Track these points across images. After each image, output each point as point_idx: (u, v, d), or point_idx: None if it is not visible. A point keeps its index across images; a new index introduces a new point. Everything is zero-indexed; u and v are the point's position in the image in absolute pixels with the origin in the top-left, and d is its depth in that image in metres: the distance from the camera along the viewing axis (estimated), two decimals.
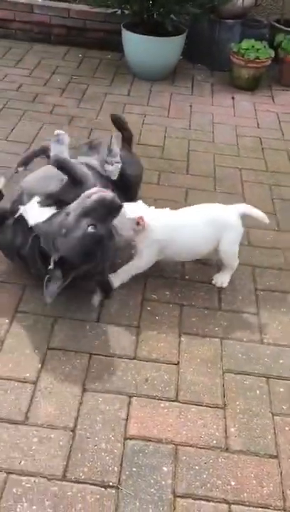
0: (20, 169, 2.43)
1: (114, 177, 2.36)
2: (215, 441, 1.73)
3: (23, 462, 1.61)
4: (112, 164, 2.37)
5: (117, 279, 2.21)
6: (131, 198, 2.39)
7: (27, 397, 1.79)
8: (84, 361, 1.94)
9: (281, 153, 3.48)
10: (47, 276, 1.95)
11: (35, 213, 2.07)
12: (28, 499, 1.52)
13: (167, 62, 4.35)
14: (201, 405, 1.84)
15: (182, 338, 2.08)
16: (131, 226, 2.10)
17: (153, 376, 1.92)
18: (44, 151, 2.40)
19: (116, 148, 2.42)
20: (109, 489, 1.57)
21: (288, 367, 2.01)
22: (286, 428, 1.80)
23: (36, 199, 2.09)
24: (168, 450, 1.69)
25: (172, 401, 1.84)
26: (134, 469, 1.63)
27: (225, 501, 1.57)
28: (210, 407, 1.83)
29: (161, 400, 1.84)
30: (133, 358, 1.98)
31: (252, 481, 1.64)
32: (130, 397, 1.84)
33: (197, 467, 1.65)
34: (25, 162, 2.45)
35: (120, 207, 1.95)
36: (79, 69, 4.42)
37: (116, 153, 2.40)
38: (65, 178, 2.11)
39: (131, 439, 1.71)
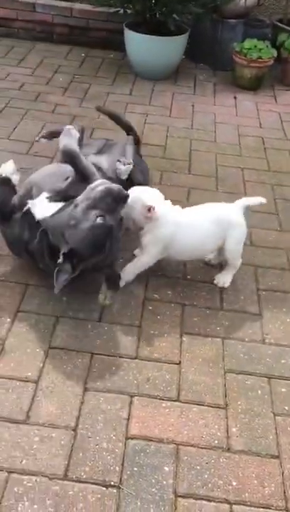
0: (43, 140, 2.44)
1: (124, 177, 2.37)
2: (216, 441, 1.73)
3: (24, 461, 1.61)
4: (124, 164, 2.37)
5: (124, 276, 2.21)
6: None
7: (28, 396, 1.79)
8: (86, 360, 1.94)
9: (284, 153, 3.48)
10: (57, 268, 1.94)
11: (43, 208, 2.07)
12: (29, 498, 1.52)
13: (169, 61, 4.35)
14: (203, 405, 1.83)
15: (184, 338, 2.08)
16: (142, 211, 2.09)
17: (155, 376, 1.92)
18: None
19: (131, 149, 2.43)
20: (110, 489, 1.57)
21: None
22: (288, 428, 1.79)
23: (45, 194, 2.10)
24: (169, 450, 1.69)
25: (173, 401, 1.84)
26: (135, 469, 1.63)
27: (227, 501, 1.57)
28: (212, 407, 1.83)
29: (163, 399, 1.84)
30: (135, 358, 1.98)
31: (254, 481, 1.63)
32: (131, 396, 1.84)
33: (198, 467, 1.65)
34: (49, 135, 2.46)
35: (127, 197, 1.96)
36: (82, 68, 4.42)
37: (129, 154, 2.41)
38: (73, 175, 2.12)
39: (132, 438, 1.71)
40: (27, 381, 1.85)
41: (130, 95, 4.05)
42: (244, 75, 4.29)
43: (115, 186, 1.95)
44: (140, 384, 1.88)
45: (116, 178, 2.33)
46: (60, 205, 2.05)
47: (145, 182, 2.53)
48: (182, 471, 1.64)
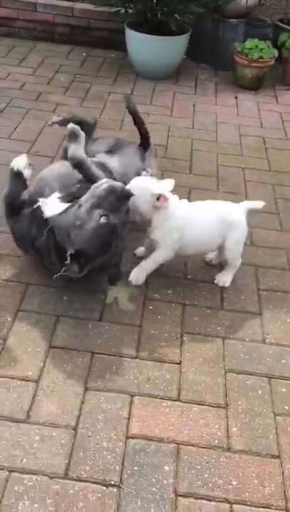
0: (56, 125, 2.46)
1: None
2: (216, 441, 1.73)
3: (24, 460, 1.62)
4: (148, 172, 2.40)
5: (141, 273, 2.21)
6: None
7: (29, 396, 1.80)
8: (87, 360, 1.94)
9: (285, 153, 3.48)
10: (64, 269, 1.95)
11: (53, 207, 2.06)
12: (29, 497, 1.53)
13: (170, 61, 4.35)
14: (203, 405, 1.83)
15: (184, 338, 2.08)
16: (151, 200, 2.08)
17: (155, 375, 1.92)
18: (80, 122, 2.41)
19: (154, 160, 2.44)
20: (110, 488, 1.57)
21: None
22: (288, 428, 1.79)
23: (57, 194, 2.10)
24: (169, 449, 1.69)
25: (174, 400, 1.84)
26: (136, 468, 1.63)
27: (227, 501, 1.57)
28: (212, 406, 1.83)
29: (163, 399, 1.84)
30: (136, 357, 1.98)
31: (254, 480, 1.63)
32: (132, 396, 1.84)
33: (198, 466, 1.65)
34: (63, 122, 2.46)
35: (130, 195, 1.96)
36: (83, 68, 4.42)
37: (154, 165, 2.45)
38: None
39: (132, 438, 1.71)
40: (27, 380, 1.85)
41: (131, 95, 4.05)
42: (245, 75, 4.29)
43: (118, 185, 1.96)
44: (140, 383, 1.88)
45: (124, 179, 2.33)
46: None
47: None
48: (182, 470, 1.64)
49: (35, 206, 2.11)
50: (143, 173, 2.38)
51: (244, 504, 1.57)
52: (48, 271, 2.14)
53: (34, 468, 1.60)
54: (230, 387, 1.91)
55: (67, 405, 1.78)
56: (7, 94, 3.80)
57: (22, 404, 1.77)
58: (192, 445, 1.71)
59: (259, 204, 2.33)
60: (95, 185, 1.98)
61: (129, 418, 1.76)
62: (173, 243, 2.18)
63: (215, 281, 2.34)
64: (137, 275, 2.22)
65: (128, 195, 1.96)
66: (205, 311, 2.21)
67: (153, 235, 2.17)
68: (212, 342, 2.08)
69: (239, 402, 1.86)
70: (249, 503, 1.58)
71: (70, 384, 1.85)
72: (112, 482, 1.59)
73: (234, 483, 1.62)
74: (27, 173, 2.27)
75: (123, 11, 4.26)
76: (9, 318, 2.07)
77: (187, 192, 2.94)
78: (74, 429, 1.71)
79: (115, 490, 1.57)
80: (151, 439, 1.71)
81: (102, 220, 1.91)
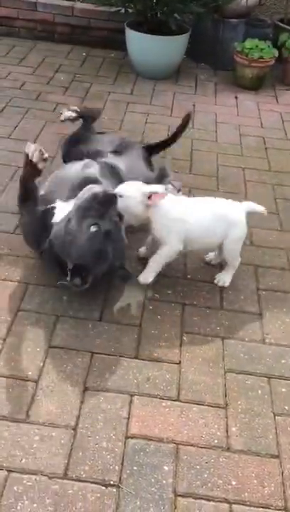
0: (68, 121, 2.47)
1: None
2: (216, 441, 1.73)
3: (24, 460, 1.61)
4: (178, 190, 2.38)
5: (150, 271, 2.20)
6: None
7: (28, 396, 1.80)
8: (86, 360, 1.94)
9: (285, 153, 3.48)
10: (67, 283, 1.97)
11: (64, 213, 2.05)
12: (28, 497, 1.53)
13: (170, 61, 4.35)
14: (203, 405, 1.83)
15: (184, 338, 2.08)
16: (143, 200, 2.06)
17: (155, 375, 1.92)
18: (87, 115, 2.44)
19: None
20: (109, 488, 1.57)
21: None
22: (288, 428, 1.79)
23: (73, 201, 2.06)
24: (169, 449, 1.69)
25: (173, 400, 1.84)
26: (135, 468, 1.63)
27: (226, 501, 1.57)
28: (212, 406, 1.83)
29: (163, 399, 1.84)
30: (135, 357, 1.98)
31: (253, 480, 1.63)
32: (131, 396, 1.84)
33: (198, 466, 1.65)
34: (75, 118, 2.48)
35: (114, 197, 1.94)
36: (83, 67, 4.42)
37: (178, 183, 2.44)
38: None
39: (132, 437, 1.71)
40: (27, 380, 1.85)
41: (131, 95, 4.05)
42: (245, 75, 4.29)
43: (99, 190, 1.93)
44: (140, 383, 1.88)
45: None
46: None
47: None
48: (181, 470, 1.64)
49: (49, 206, 2.09)
50: (168, 186, 2.32)
51: (243, 504, 1.57)
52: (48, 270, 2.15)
53: (33, 468, 1.60)
54: (230, 387, 1.91)
55: (67, 405, 1.78)
56: (7, 94, 3.80)
57: (21, 404, 1.77)
58: (191, 445, 1.71)
59: (260, 208, 2.32)
60: (78, 196, 1.97)
61: (128, 418, 1.76)
62: (178, 235, 2.14)
63: (215, 281, 2.34)
64: (145, 274, 2.21)
65: (111, 198, 1.93)
66: (205, 311, 2.21)
67: (156, 232, 2.16)
68: (211, 342, 2.08)
69: (239, 402, 1.86)
70: (248, 503, 1.58)
71: (69, 384, 1.85)
72: (111, 482, 1.59)
73: (233, 483, 1.62)
74: (42, 166, 2.14)
75: (123, 10, 4.26)
76: (9, 318, 2.07)
77: (187, 192, 2.94)
78: (74, 429, 1.71)
79: (114, 490, 1.57)
80: (151, 439, 1.71)
81: (93, 229, 1.90)
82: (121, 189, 2.08)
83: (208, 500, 1.57)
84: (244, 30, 4.44)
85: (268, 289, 2.36)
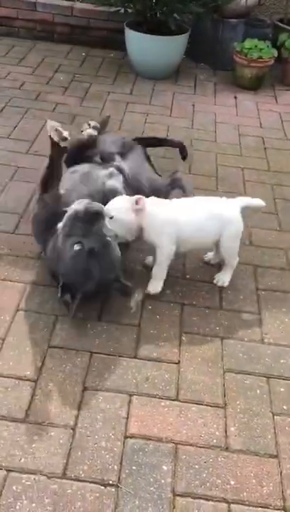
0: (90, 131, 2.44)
1: None
2: (215, 441, 1.73)
3: (23, 460, 1.62)
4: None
5: (157, 280, 2.21)
6: None
7: (27, 395, 1.80)
8: (85, 360, 1.95)
9: (284, 153, 3.48)
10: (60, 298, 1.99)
11: None
12: (27, 497, 1.53)
13: (170, 61, 4.35)
14: (201, 404, 1.84)
15: (183, 338, 2.08)
16: (131, 208, 2.06)
17: (154, 375, 1.92)
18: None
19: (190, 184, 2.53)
20: (108, 487, 1.57)
21: (289, 367, 2.01)
22: (287, 428, 1.80)
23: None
24: (168, 449, 1.69)
25: (172, 400, 1.84)
26: (134, 468, 1.63)
27: (225, 500, 1.58)
28: (211, 406, 1.84)
29: (162, 398, 1.84)
30: (134, 357, 1.98)
31: (252, 480, 1.64)
32: (130, 395, 1.84)
33: (196, 466, 1.65)
34: (98, 131, 2.47)
35: (96, 213, 1.92)
36: (82, 67, 4.42)
37: (190, 188, 2.51)
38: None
39: (131, 437, 1.71)
40: (26, 380, 1.85)
41: (130, 95, 4.05)
42: (244, 75, 4.29)
43: (80, 208, 1.91)
44: (139, 383, 1.88)
45: (137, 185, 2.34)
46: None
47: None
48: (180, 470, 1.64)
49: (64, 209, 2.03)
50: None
51: (242, 504, 1.57)
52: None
53: (32, 468, 1.60)
54: (229, 387, 1.91)
55: (66, 405, 1.78)
56: (6, 94, 3.80)
57: (20, 403, 1.77)
58: (190, 445, 1.71)
59: (257, 202, 2.31)
60: (67, 210, 1.96)
61: (127, 418, 1.76)
62: (169, 236, 2.14)
63: (214, 281, 2.34)
64: (153, 285, 2.21)
65: (94, 213, 1.91)
66: (204, 311, 2.22)
67: (148, 237, 2.15)
68: (210, 342, 2.08)
69: (238, 402, 1.86)
70: (247, 502, 1.58)
71: (68, 384, 1.85)
72: (110, 482, 1.59)
73: (232, 482, 1.62)
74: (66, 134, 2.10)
75: (122, 10, 4.26)
76: (8, 318, 2.07)
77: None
78: (73, 428, 1.72)
79: (113, 489, 1.57)
80: (150, 439, 1.71)
81: (76, 247, 1.89)
82: (109, 206, 2.06)
83: (207, 499, 1.57)
84: (243, 30, 4.44)
85: (267, 289, 2.36)
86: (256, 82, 4.31)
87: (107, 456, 1.65)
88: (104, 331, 2.07)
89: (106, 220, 2.00)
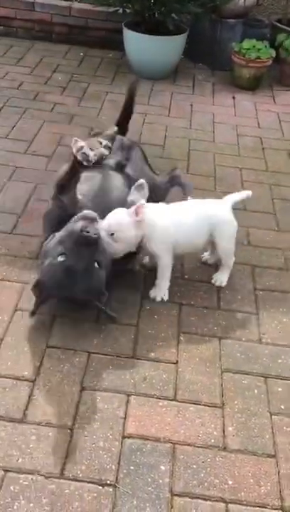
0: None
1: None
2: (212, 440, 1.73)
3: (20, 460, 1.62)
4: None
5: (162, 288, 2.21)
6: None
7: (25, 395, 1.80)
8: (83, 360, 1.94)
9: (282, 153, 3.48)
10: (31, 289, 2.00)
11: None
12: (25, 497, 1.53)
13: (168, 61, 4.35)
14: (199, 404, 1.84)
15: (181, 338, 2.08)
16: (132, 219, 2.04)
17: (152, 375, 1.92)
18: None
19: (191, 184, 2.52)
20: (106, 487, 1.57)
21: (287, 367, 2.01)
22: (284, 428, 1.80)
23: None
24: (165, 449, 1.69)
25: (170, 400, 1.84)
26: (132, 468, 1.63)
27: (222, 500, 1.58)
28: (208, 406, 1.84)
29: (159, 398, 1.84)
30: (132, 357, 1.98)
31: (250, 480, 1.64)
32: (128, 395, 1.84)
33: (194, 466, 1.65)
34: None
35: (91, 243, 1.87)
36: (80, 67, 4.42)
37: (190, 187, 2.51)
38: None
39: (129, 437, 1.71)
40: (24, 380, 1.85)
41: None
42: (242, 75, 4.29)
43: (76, 229, 1.86)
44: (137, 383, 1.88)
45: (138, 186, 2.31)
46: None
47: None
48: (178, 470, 1.64)
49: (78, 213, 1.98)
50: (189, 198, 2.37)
51: (239, 503, 1.57)
52: None
53: (30, 468, 1.60)
54: (226, 387, 1.91)
55: (64, 405, 1.78)
56: (4, 94, 3.80)
57: (18, 403, 1.77)
58: (188, 445, 1.71)
59: (244, 194, 2.35)
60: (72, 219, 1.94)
61: (125, 418, 1.76)
62: (166, 245, 2.15)
63: (212, 281, 2.34)
64: (160, 294, 2.22)
65: (89, 242, 1.86)
66: (202, 311, 2.22)
67: (150, 247, 2.14)
68: (208, 342, 2.08)
69: (236, 402, 1.86)
70: (244, 502, 1.58)
71: (66, 384, 1.85)
72: (108, 482, 1.59)
73: (230, 482, 1.62)
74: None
75: (121, 10, 4.26)
76: (6, 318, 2.07)
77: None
78: (71, 428, 1.72)
79: (111, 489, 1.57)
80: (147, 439, 1.71)
81: (60, 258, 1.89)
82: (108, 222, 2.03)
83: (205, 499, 1.57)
84: (241, 31, 4.44)
85: (265, 289, 2.36)
86: (255, 82, 4.31)
87: (105, 456, 1.65)
88: (102, 330, 2.07)
89: (107, 237, 2.00)
